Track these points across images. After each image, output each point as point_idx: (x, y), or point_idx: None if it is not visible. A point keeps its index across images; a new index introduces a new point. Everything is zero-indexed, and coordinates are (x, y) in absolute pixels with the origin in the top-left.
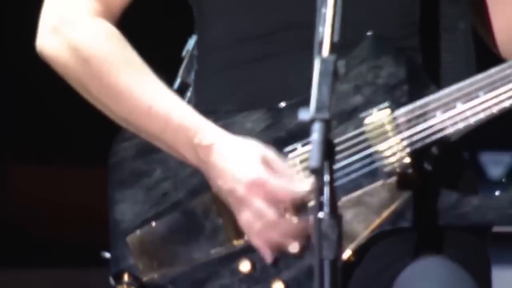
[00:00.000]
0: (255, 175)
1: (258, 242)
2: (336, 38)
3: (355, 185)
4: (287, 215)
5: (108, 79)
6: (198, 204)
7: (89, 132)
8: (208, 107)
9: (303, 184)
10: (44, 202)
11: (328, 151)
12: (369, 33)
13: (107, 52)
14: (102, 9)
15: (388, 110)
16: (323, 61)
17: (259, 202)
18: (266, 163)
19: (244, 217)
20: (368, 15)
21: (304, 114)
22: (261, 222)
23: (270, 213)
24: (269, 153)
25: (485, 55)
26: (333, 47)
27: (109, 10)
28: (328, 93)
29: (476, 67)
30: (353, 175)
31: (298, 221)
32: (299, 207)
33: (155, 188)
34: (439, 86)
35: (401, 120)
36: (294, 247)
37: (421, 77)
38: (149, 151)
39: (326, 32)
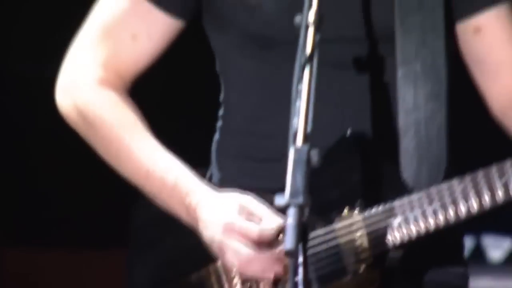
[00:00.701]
0: (226, 219)
1: (246, 277)
2: (309, 129)
3: (325, 280)
4: (261, 250)
5: (110, 144)
6: (202, 275)
7: (84, 217)
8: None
9: (270, 222)
10: (39, 286)
11: (302, 234)
12: (348, 132)
13: (109, 119)
14: (111, 76)
15: (357, 210)
16: (297, 151)
17: (234, 242)
18: (243, 209)
19: (226, 259)
20: (346, 115)
21: (280, 200)
22: (239, 260)
23: (245, 250)
24: (248, 200)
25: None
26: (307, 138)
27: (119, 77)
28: (302, 180)
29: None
30: (323, 271)
31: (271, 254)
32: (270, 242)
33: (166, 255)
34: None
35: (368, 220)
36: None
37: (394, 179)
38: (162, 220)
39: (300, 123)
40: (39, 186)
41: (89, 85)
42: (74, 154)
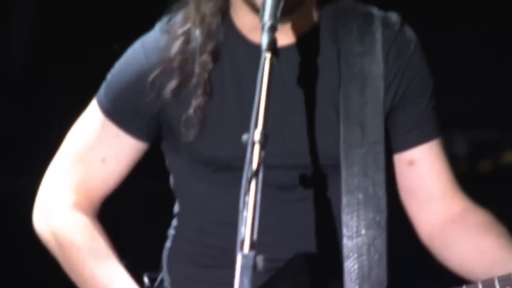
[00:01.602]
0: None
1: None
2: (255, 237)
3: None
4: None
5: (76, 266)
6: None
7: None
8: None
9: None
10: None
11: None
12: (298, 254)
13: (78, 243)
14: (83, 199)
15: None
16: (244, 257)
17: None
18: None
19: None
20: (293, 232)
21: None
22: None
23: None
24: None
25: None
26: (253, 245)
27: (90, 199)
28: (249, 284)
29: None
30: None
31: None
32: None
33: None
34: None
35: None
36: None
37: None
38: None
39: (246, 232)
40: None
41: (62, 209)
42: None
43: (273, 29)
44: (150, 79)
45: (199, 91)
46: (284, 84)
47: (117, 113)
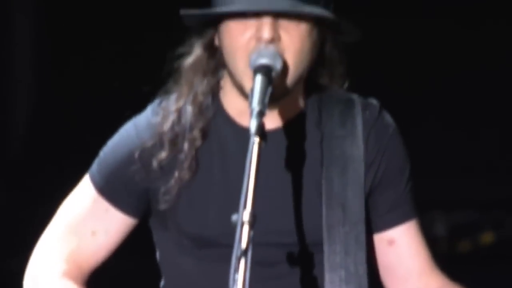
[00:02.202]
0: None
1: None
2: None
3: None
4: None
5: None
6: None
7: None
8: None
9: None
10: None
11: None
12: None
13: None
14: (73, 269)
15: None
16: None
17: None
18: None
19: None
20: None
21: None
22: None
23: None
24: None
25: None
26: None
27: (80, 269)
28: None
29: None
30: None
31: None
32: None
33: None
34: None
35: None
36: None
37: None
38: None
39: None
40: None
41: (53, 276)
42: None
43: (261, 114)
44: (141, 155)
45: (185, 165)
46: (270, 165)
47: (109, 190)
